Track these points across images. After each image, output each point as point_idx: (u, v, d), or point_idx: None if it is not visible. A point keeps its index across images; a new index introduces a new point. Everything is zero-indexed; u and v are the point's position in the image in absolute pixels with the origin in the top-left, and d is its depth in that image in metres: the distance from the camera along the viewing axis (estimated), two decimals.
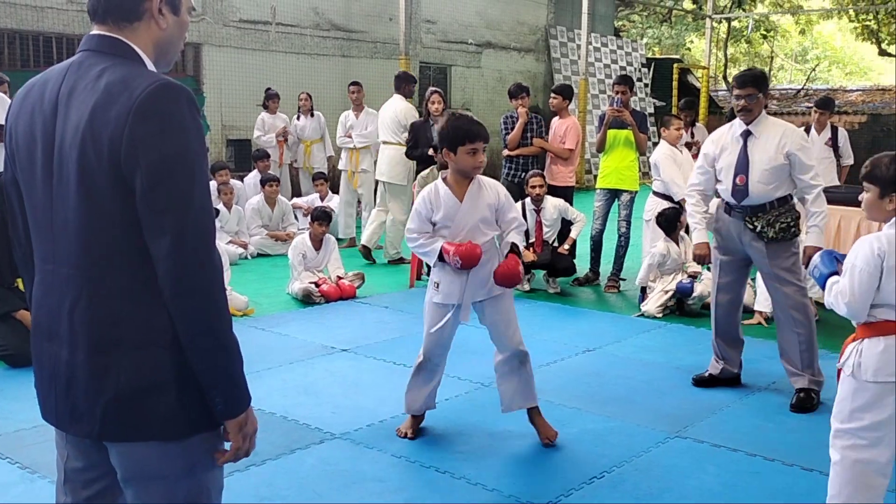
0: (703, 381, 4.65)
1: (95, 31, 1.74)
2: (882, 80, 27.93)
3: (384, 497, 3.27)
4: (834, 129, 8.36)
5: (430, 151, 7.26)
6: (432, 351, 3.81)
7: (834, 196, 6.66)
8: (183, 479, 1.75)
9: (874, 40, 24.51)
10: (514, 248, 3.67)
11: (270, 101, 10.08)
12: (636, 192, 7.24)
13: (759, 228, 4.30)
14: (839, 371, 2.79)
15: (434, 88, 8.04)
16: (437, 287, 3.71)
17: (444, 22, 14.31)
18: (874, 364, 2.66)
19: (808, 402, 4.29)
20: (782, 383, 4.57)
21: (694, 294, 6.19)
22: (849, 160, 8.52)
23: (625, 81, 7.12)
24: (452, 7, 14.38)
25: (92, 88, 1.64)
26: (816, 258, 2.93)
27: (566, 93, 7.57)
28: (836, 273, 2.82)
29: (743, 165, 4.32)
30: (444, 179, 3.69)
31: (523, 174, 7.33)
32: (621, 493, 3.34)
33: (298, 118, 10.24)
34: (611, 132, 7.12)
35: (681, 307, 6.30)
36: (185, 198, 1.61)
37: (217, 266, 1.65)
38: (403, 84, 8.37)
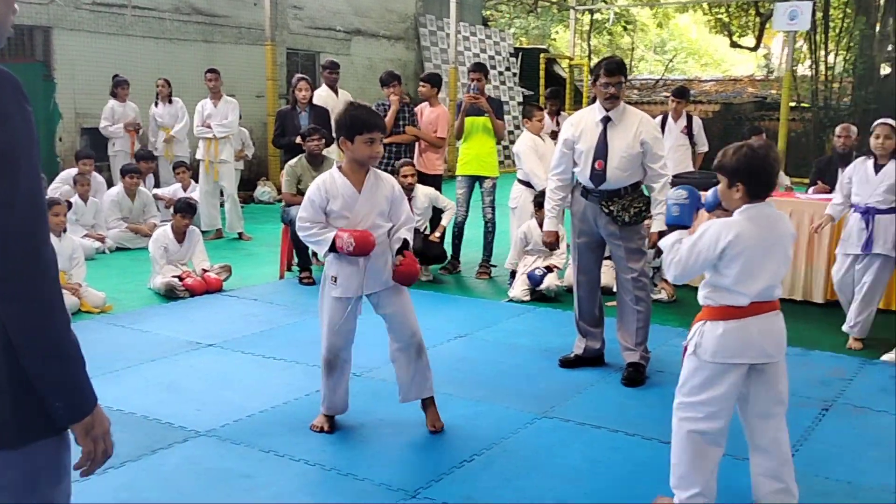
0: (569, 363, 4.78)
1: None
2: (734, 70, 29.49)
3: (251, 494, 3.19)
4: (689, 118, 8.74)
5: (298, 140, 7.13)
6: (338, 347, 3.75)
7: (689, 181, 6.98)
8: (26, 492, 1.63)
9: (726, 33, 25.80)
10: (405, 245, 3.65)
11: (119, 88, 9.63)
12: (497, 178, 7.35)
13: (614, 212, 4.45)
14: (685, 348, 2.93)
15: (301, 76, 7.89)
16: (335, 281, 3.63)
17: (312, 8, 14.07)
18: (713, 346, 2.82)
19: (638, 377, 4.51)
20: None
21: (542, 285, 6.33)
22: (703, 147, 8.93)
23: (480, 69, 7.17)
24: None
25: None
26: (683, 192, 3.03)
27: (435, 81, 7.59)
28: (687, 227, 2.97)
29: (602, 151, 4.44)
30: (340, 168, 3.61)
31: (396, 162, 7.30)
32: (490, 474, 3.39)
33: (157, 104, 9.85)
34: (469, 119, 7.15)
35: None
36: (8, 194, 1.50)
37: (48, 264, 1.54)
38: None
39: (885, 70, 16.65)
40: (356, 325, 3.76)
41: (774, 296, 2.87)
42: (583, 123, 4.56)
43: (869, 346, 5.14)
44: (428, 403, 3.85)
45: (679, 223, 3.00)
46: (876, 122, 5.16)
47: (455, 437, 3.76)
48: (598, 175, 4.45)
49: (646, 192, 4.62)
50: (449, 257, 7.30)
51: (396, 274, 3.61)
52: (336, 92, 8.28)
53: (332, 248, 3.55)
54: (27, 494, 1.64)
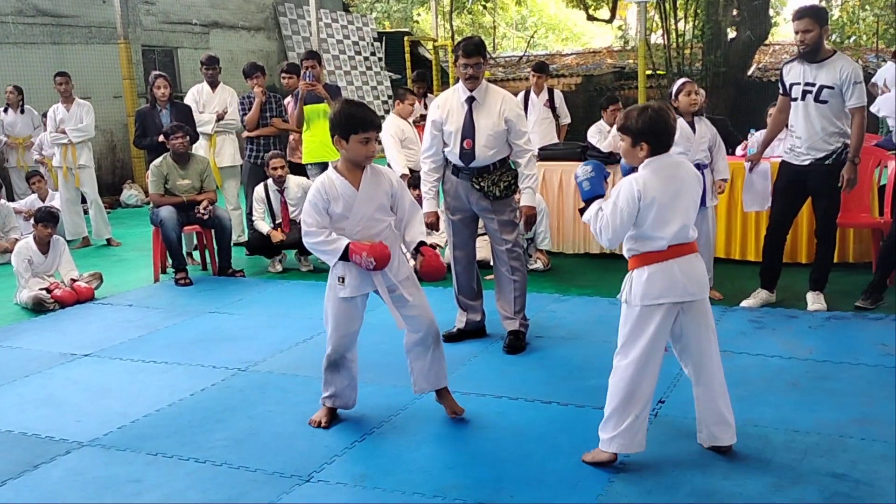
0: (452, 337, 4.89)
1: None
2: (593, 43, 30.36)
3: (141, 497, 3.15)
4: (550, 91, 9.01)
5: (161, 138, 6.94)
6: (345, 347, 3.71)
7: (554, 153, 7.24)
8: None
9: (582, 6, 26.49)
10: (422, 244, 3.64)
11: None
12: None
13: (485, 188, 4.58)
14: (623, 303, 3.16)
15: (158, 73, 7.67)
16: (343, 282, 3.55)
17: (165, 2, 13.64)
18: (641, 290, 3.06)
19: (519, 343, 4.69)
20: None
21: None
22: (566, 119, 9.23)
23: (312, 56, 7.15)
24: None
25: None
26: (588, 167, 3.22)
27: (298, 71, 7.52)
28: (601, 196, 3.17)
29: (469, 130, 4.55)
30: (336, 168, 3.52)
31: (265, 155, 7.23)
32: (382, 451, 3.46)
33: (6, 111, 9.36)
34: (309, 108, 7.08)
35: None
36: None
37: None
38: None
39: (732, 34, 17.54)
40: (361, 323, 3.72)
41: (690, 237, 3.10)
42: (448, 104, 4.65)
43: (728, 295, 5.48)
44: (443, 392, 3.82)
45: (595, 194, 3.18)
46: (682, 81, 5.43)
47: (346, 420, 3.80)
48: (468, 154, 4.56)
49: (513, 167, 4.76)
50: None
51: (422, 274, 3.59)
52: (214, 88, 8.07)
53: (344, 258, 3.46)
54: None
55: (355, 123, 3.40)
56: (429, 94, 9.83)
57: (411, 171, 6.87)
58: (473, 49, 4.52)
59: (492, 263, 4.86)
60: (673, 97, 5.39)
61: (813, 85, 4.88)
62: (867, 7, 20.48)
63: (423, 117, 8.20)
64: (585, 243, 6.97)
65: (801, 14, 4.90)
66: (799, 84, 4.96)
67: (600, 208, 3.11)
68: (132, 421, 3.90)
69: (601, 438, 3.19)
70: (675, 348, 3.22)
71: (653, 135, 3.05)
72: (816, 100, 4.88)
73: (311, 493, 3.14)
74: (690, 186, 3.11)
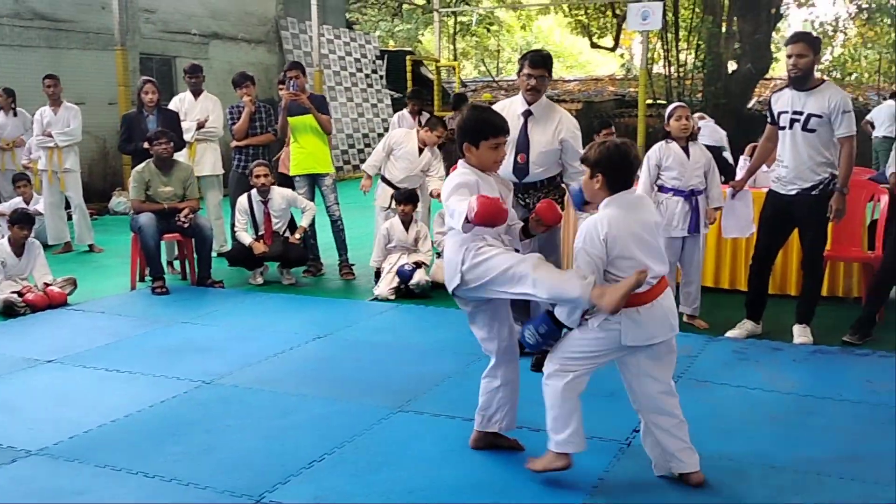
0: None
1: None
2: (597, 71, 30.44)
3: None
4: None
5: (145, 144, 6.84)
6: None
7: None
8: None
9: (586, 34, 26.58)
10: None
11: None
12: (334, 174, 7.26)
13: (531, 205, 4.46)
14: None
15: (147, 78, 7.59)
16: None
17: (165, 11, 13.59)
18: (631, 331, 2.96)
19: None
20: None
21: (413, 280, 6.31)
22: None
23: (296, 66, 6.99)
24: None
25: None
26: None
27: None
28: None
29: (524, 145, 4.46)
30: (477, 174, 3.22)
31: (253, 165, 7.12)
32: (340, 472, 3.31)
33: None
34: (295, 119, 6.96)
35: (410, 289, 6.41)
36: None
37: None
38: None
39: (732, 66, 17.54)
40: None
41: (662, 273, 3.01)
42: (505, 113, 4.53)
43: (714, 325, 5.35)
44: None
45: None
46: (674, 106, 5.38)
47: (307, 438, 3.66)
48: (521, 168, 4.46)
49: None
50: (309, 260, 7.17)
51: (540, 214, 3.23)
52: (197, 96, 7.97)
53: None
54: None
55: (487, 129, 3.22)
56: (422, 112, 9.72)
57: (392, 185, 6.80)
58: (541, 60, 4.46)
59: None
60: (666, 122, 5.34)
61: (801, 113, 4.78)
62: (870, 45, 20.51)
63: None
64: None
65: (796, 38, 4.82)
66: (787, 112, 4.85)
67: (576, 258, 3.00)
68: (85, 431, 3.75)
69: (554, 441, 3.08)
70: (637, 380, 3.11)
71: (609, 168, 2.99)
72: (804, 128, 4.77)
73: None
74: (650, 225, 3.03)
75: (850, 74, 20.48)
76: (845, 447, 3.49)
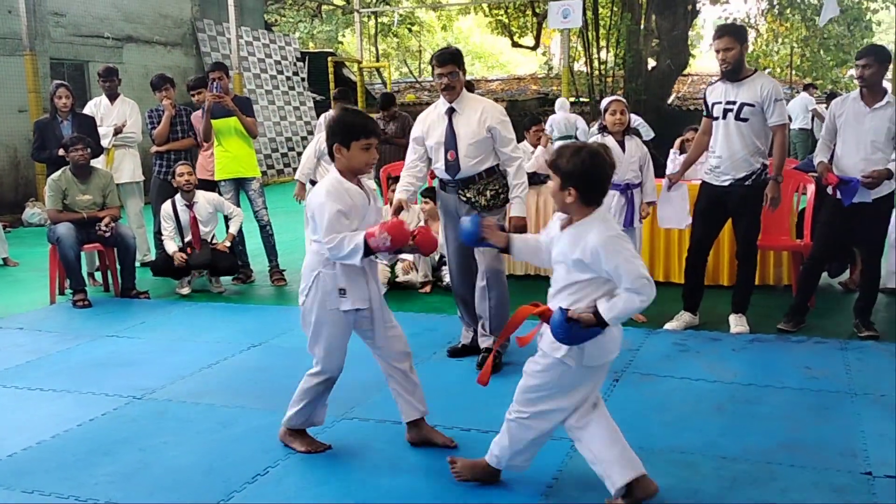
0: (456, 352, 4.79)
1: None
2: (519, 70, 30.66)
3: None
4: None
5: (60, 151, 6.52)
6: (338, 366, 3.41)
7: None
8: None
9: (507, 34, 26.71)
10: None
11: None
12: (261, 178, 7.08)
13: (471, 199, 4.44)
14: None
15: (60, 82, 7.25)
16: (344, 293, 3.25)
17: (76, 14, 13.08)
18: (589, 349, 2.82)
19: (496, 362, 4.43)
20: None
21: None
22: None
23: (219, 68, 6.75)
24: None
25: None
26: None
27: (205, 84, 7.11)
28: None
29: (451, 141, 4.42)
30: (343, 176, 3.24)
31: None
32: (285, 486, 3.17)
33: None
34: (219, 122, 6.73)
35: None
36: None
37: None
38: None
39: (652, 63, 17.85)
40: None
41: None
42: (429, 119, 4.55)
43: (652, 318, 5.37)
44: (422, 423, 3.53)
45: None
46: (609, 100, 5.42)
47: (249, 451, 3.50)
48: (453, 165, 4.43)
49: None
50: (239, 268, 6.95)
51: (419, 243, 3.24)
52: (113, 101, 7.66)
53: (367, 253, 3.13)
54: None
55: (358, 130, 3.21)
56: None
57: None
58: (448, 57, 4.40)
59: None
60: (602, 115, 5.36)
61: (734, 103, 4.84)
62: (781, 40, 21.15)
63: None
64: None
65: (721, 33, 4.87)
66: (720, 103, 4.91)
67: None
68: (9, 455, 3.52)
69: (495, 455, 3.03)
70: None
71: (584, 181, 2.70)
72: (737, 118, 4.83)
73: None
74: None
75: (764, 69, 21.07)
76: (791, 435, 3.52)
